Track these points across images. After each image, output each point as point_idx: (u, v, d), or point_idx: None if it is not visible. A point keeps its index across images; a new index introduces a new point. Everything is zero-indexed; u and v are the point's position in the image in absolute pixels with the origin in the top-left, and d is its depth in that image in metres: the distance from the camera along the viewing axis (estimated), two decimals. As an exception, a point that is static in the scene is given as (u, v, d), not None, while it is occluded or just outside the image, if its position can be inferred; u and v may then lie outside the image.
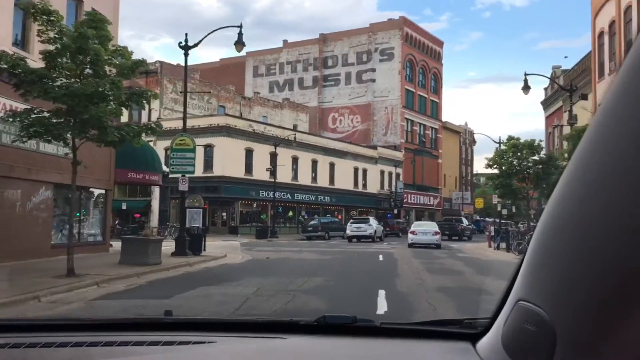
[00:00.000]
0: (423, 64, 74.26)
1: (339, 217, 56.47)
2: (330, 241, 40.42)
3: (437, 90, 78.39)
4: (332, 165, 57.16)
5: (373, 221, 42.55)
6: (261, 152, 48.16)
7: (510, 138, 33.96)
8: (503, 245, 29.78)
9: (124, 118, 22.20)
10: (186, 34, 21.47)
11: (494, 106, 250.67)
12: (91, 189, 21.07)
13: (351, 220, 43.41)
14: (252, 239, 40.62)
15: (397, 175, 65.46)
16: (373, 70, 71.27)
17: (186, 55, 21.39)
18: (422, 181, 71.32)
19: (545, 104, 43.17)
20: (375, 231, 40.46)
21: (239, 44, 21.47)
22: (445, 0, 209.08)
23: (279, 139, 46.86)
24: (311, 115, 70.05)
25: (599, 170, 0.87)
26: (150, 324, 2.07)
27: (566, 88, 25.85)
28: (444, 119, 79.29)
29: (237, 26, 21.19)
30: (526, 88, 25.76)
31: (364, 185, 61.94)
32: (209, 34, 21.89)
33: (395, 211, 63.20)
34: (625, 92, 0.86)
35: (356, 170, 60.80)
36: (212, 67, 78.40)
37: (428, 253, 26.59)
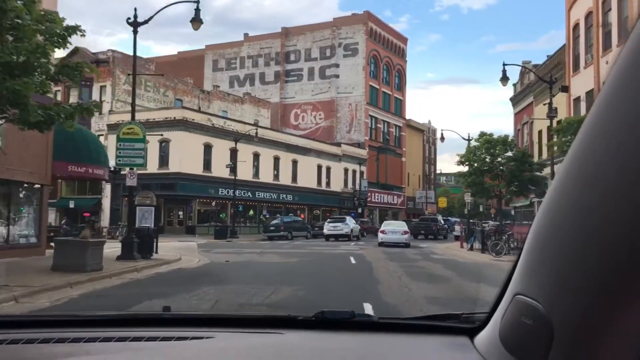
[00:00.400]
0: (387, 60, 72.89)
1: (302, 216, 54.45)
2: (294, 241, 38.34)
3: (401, 87, 77.19)
4: (294, 163, 55.05)
5: (350, 220, 42.86)
6: (221, 148, 45.68)
7: (482, 134, 32.58)
8: (477, 245, 28.34)
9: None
10: (135, 9, 19.03)
11: (453, 107, 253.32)
12: (25, 184, 18.40)
13: (328, 220, 43.86)
14: (210, 240, 38.20)
15: (361, 173, 63.84)
16: (337, 65, 69.47)
17: (135, 32, 18.96)
18: (386, 180, 69.95)
19: (514, 100, 42.15)
20: (352, 230, 40.71)
21: (196, 21, 19.18)
22: (405, 1, 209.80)
23: (240, 134, 44.48)
24: (273, 111, 67.78)
25: (595, 165, 0.87)
26: (148, 319, 2.04)
27: (546, 80, 24.45)
28: (407, 117, 78.19)
29: (194, 1, 18.90)
30: (504, 79, 24.31)
31: (328, 184, 60.06)
32: (162, 9, 19.54)
33: (359, 210, 61.52)
34: (622, 87, 0.85)
35: (319, 167, 58.86)
36: (169, 60, 75.21)
37: (400, 254, 24.81)
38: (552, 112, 23.24)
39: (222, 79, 74.96)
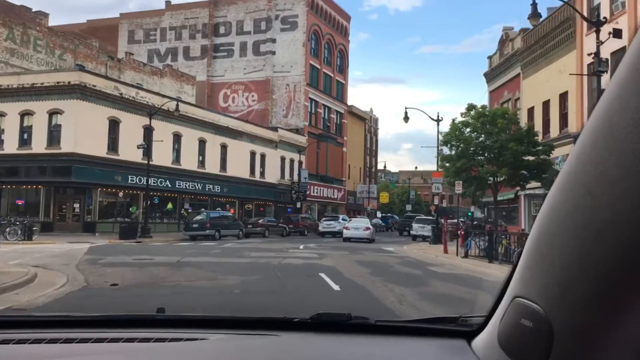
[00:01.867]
0: (329, 38, 65.29)
1: (232, 211, 45.91)
2: (223, 243, 29.94)
3: (342, 69, 69.86)
4: (224, 148, 46.34)
5: (343, 219, 43.29)
6: (131, 124, 36.37)
7: (471, 107, 25.53)
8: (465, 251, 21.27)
9: None
10: None
11: (380, 106, 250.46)
12: None
13: (324, 218, 46.54)
14: (114, 240, 29.16)
15: (300, 163, 55.94)
16: (273, 40, 61.11)
17: None
18: (326, 171, 62.45)
19: (490, 75, 35.68)
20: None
21: None
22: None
23: (157, 109, 35.39)
24: (199, 90, 58.61)
25: (595, 167, 0.87)
26: (142, 320, 2.02)
27: (591, 20, 17.45)
28: (349, 103, 71.00)
29: None
30: (534, 16, 16.96)
31: (262, 174, 51.72)
32: None
33: (298, 205, 53.63)
34: (626, 88, 0.84)
35: (253, 154, 50.42)
36: (76, 28, 64.11)
37: (385, 267, 17.09)
38: (601, 66, 16.17)
39: (139, 53, 64.54)
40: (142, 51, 65.06)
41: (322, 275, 13.53)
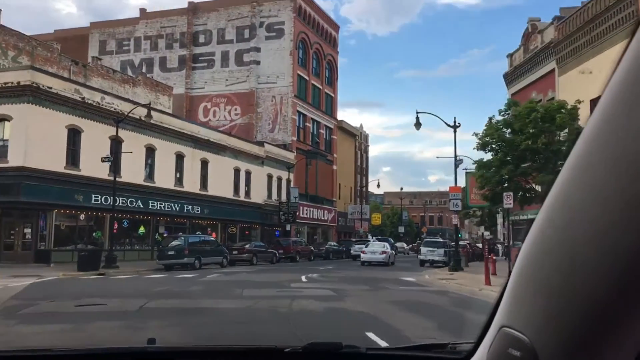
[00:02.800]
0: (317, 47, 60.75)
1: (214, 235, 40.49)
2: (205, 274, 24.61)
3: (332, 82, 65.28)
4: (204, 163, 41.05)
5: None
6: (95, 135, 31.01)
7: (512, 103, 20.78)
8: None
9: None
10: None
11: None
12: None
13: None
14: (70, 272, 23.68)
15: (289, 181, 50.80)
16: (257, 49, 56.34)
17: None
18: (316, 191, 57.34)
19: (513, 76, 31.16)
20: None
21: None
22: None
23: (124, 116, 30.14)
24: (176, 103, 53.31)
25: (582, 196, 0.87)
26: (132, 353, 1.98)
27: None
28: (338, 117, 66.28)
29: None
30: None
31: (247, 193, 46.42)
32: None
33: (288, 227, 48.36)
34: (622, 101, 0.81)
35: (237, 172, 45.15)
36: (43, 39, 58.66)
37: (433, 308, 12.00)
38: None
39: (111, 64, 59.15)
40: (115, 63, 59.61)
41: (372, 336, 8.31)
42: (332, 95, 64.96)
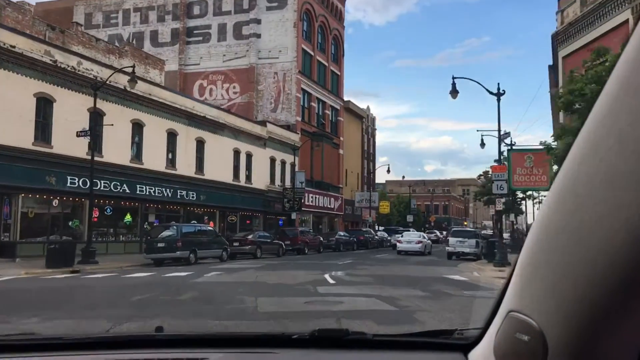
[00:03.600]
0: (323, 20, 55.79)
1: (211, 224, 35.81)
2: (202, 270, 19.96)
3: (338, 59, 60.38)
4: (200, 143, 36.28)
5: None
6: (71, 105, 26.18)
7: (602, 50, 16.19)
8: None
9: None
10: None
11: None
12: None
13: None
14: (37, 269, 19.07)
15: (293, 165, 46.08)
16: (257, 21, 51.36)
17: None
18: (322, 177, 52.63)
19: (566, 35, 26.33)
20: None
21: None
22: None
23: (103, 82, 25.32)
24: (169, 80, 48.33)
25: (589, 179, 0.87)
26: (141, 340, 2.01)
27: None
28: (345, 98, 61.44)
29: None
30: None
31: (248, 178, 41.68)
32: None
33: (293, 216, 43.69)
34: (623, 93, 0.82)
35: (237, 154, 40.39)
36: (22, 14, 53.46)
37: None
38: None
39: (97, 39, 54.24)
40: (102, 37, 54.55)
41: None
42: (338, 73, 60.07)
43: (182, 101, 34.90)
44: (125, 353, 1.82)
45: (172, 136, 33.59)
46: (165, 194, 32.60)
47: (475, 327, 1.54)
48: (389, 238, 54.16)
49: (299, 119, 50.35)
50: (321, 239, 39.84)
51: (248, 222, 42.00)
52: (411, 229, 63.54)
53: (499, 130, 23.87)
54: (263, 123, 44.42)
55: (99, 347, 1.93)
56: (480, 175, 50.87)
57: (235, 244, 30.23)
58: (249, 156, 41.65)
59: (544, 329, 0.97)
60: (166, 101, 32.79)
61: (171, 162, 33.54)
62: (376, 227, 65.87)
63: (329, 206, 54.94)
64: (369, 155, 69.49)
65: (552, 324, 0.96)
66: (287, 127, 48.43)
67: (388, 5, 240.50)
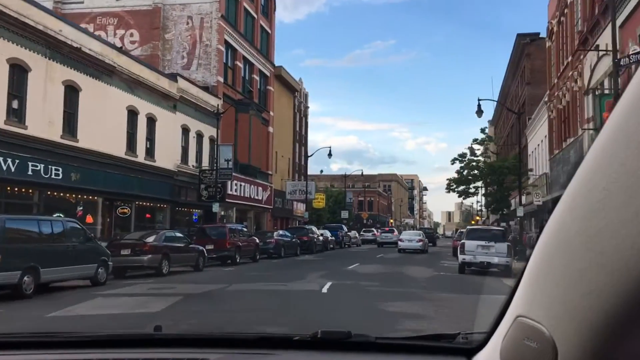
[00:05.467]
0: (252, -42, 43.46)
1: (89, 219, 22.72)
2: (59, 300, 7.31)
3: (268, 13, 48.28)
4: (72, 92, 23.00)
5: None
6: None
7: None
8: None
9: None
10: None
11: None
12: None
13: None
14: None
15: (213, 140, 33.58)
16: (166, -52, 38.16)
17: None
18: (249, 159, 40.44)
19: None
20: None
21: None
22: None
23: None
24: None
25: (607, 184, 0.85)
26: (139, 340, 1.99)
27: None
28: (276, 63, 49.36)
29: None
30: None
31: (150, 152, 28.72)
32: None
33: (215, 208, 31.13)
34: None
35: (133, 115, 27.35)
36: None
37: None
38: None
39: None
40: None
41: None
42: (269, 30, 47.95)
43: (40, 16, 21.42)
44: (124, 352, 1.78)
45: (19, 71, 20.17)
46: (5, 167, 19.21)
47: (480, 332, 1.50)
48: (331, 238, 42.93)
49: (221, 79, 37.78)
50: (257, 241, 27.68)
51: (148, 216, 29.02)
52: (344, 227, 52.89)
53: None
54: (173, 77, 31.51)
55: (96, 345, 1.91)
56: (456, 158, 41.00)
57: (125, 251, 17.63)
58: (151, 121, 28.70)
59: (554, 335, 0.94)
60: (6, 9, 19.34)
61: (15, 115, 20.11)
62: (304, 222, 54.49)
63: (256, 197, 42.73)
64: (300, 138, 57.79)
65: (563, 331, 0.92)
66: (206, 89, 35.78)
67: (298, 3, 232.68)
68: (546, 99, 38.36)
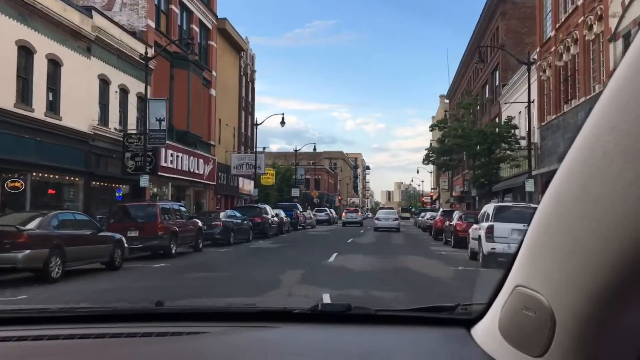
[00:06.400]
0: None
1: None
2: None
3: (210, -46, 40.86)
4: None
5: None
6: None
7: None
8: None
9: None
10: None
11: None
12: None
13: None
14: None
15: (143, 97, 26.43)
16: None
17: None
18: (188, 125, 33.53)
19: None
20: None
21: None
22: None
23: None
24: None
25: (604, 154, 0.84)
26: (142, 314, 1.99)
27: None
28: (219, 15, 42.09)
29: None
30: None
31: (54, 106, 21.45)
32: None
33: (143, 182, 24.16)
34: (636, 73, 0.82)
35: (28, 53, 19.97)
36: None
37: None
38: None
39: None
40: None
41: None
42: (211, -25, 40.65)
43: None
44: (125, 326, 1.75)
45: None
46: None
47: (478, 303, 1.50)
48: (286, 219, 36.75)
49: (153, 24, 30.53)
50: (199, 224, 21.07)
51: (52, 192, 21.82)
52: (299, 206, 46.84)
53: None
54: (87, 11, 24.10)
55: (97, 320, 1.90)
56: (436, 125, 35.14)
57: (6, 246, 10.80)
58: (54, 64, 21.39)
59: (552, 304, 0.95)
60: None
61: None
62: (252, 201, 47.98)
63: (197, 171, 35.86)
64: (247, 106, 50.83)
65: (561, 299, 0.93)
66: (133, 34, 28.49)
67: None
68: (535, 57, 33.23)
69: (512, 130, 29.39)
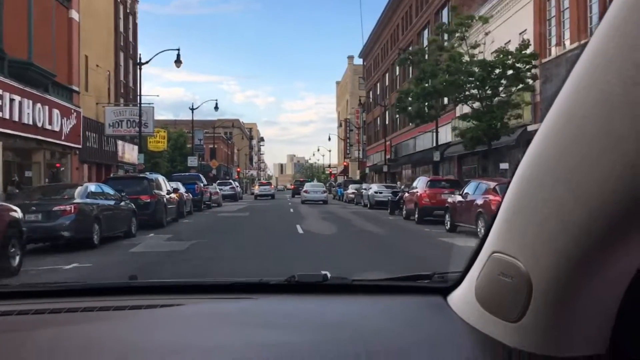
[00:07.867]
0: None
1: None
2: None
3: None
4: None
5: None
6: None
7: None
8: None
9: None
10: None
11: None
12: None
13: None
14: None
15: None
16: None
17: None
18: (30, 53, 21.37)
19: None
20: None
21: None
22: None
23: None
24: None
25: (582, 119, 0.83)
26: (115, 288, 1.93)
27: None
28: None
29: None
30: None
31: None
32: None
33: None
34: (611, 41, 0.79)
35: None
36: None
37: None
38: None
39: None
40: None
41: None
42: None
43: None
44: (99, 300, 1.72)
45: None
46: None
47: (455, 271, 1.51)
48: (187, 195, 25.75)
49: None
50: (16, 216, 9.82)
51: None
52: (203, 179, 35.84)
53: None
54: None
55: (70, 294, 1.85)
56: (406, 58, 25.29)
57: None
58: None
59: (529, 269, 0.95)
60: None
61: None
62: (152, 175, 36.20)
63: (49, 127, 23.81)
64: (127, 45, 38.17)
65: (538, 264, 0.93)
66: None
67: None
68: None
69: (532, 62, 20.47)
